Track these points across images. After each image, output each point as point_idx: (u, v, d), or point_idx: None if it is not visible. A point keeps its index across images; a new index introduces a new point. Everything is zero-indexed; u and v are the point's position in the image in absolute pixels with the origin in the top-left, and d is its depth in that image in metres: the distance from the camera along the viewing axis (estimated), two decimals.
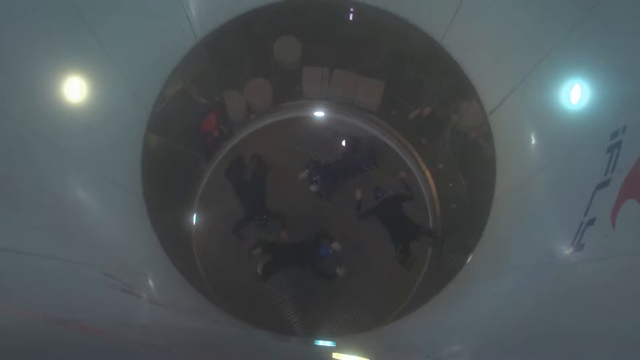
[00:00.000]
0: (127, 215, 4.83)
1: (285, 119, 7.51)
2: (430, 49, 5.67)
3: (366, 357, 4.72)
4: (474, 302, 4.49)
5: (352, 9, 6.12)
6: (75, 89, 3.71)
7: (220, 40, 5.81)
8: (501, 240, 4.75)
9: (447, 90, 6.42)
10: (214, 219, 7.02)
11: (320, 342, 5.80)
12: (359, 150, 7.10)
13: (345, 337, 6.23)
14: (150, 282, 4.44)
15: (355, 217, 6.47)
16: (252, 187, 6.76)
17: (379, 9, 5.69)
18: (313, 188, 6.79)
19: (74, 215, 3.62)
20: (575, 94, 3.50)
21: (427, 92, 6.92)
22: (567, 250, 2.97)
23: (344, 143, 7.30)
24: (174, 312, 4.34)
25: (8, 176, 2.81)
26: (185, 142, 6.76)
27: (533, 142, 4.33)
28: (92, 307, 2.76)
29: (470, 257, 5.35)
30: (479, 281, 4.80)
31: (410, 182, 6.73)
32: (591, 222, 2.78)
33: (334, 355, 4.91)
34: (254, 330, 5.71)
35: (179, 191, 6.86)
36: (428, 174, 7.20)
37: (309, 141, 7.39)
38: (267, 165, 6.96)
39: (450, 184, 6.96)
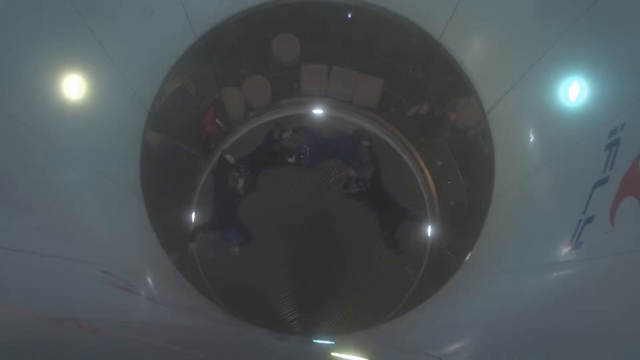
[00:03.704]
0: (126, 212, 4.82)
1: (284, 116, 7.51)
2: (428, 47, 5.67)
3: (365, 355, 4.72)
4: (473, 300, 4.50)
5: (351, 7, 6.10)
6: (74, 88, 3.70)
7: (219, 38, 5.79)
8: (500, 238, 4.75)
9: (445, 88, 6.42)
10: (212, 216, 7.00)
11: (319, 340, 5.81)
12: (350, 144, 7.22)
13: (344, 335, 6.23)
14: (149, 280, 4.44)
15: (342, 194, 7.04)
16: (230, 196, 6.81)
17: (377, 7, 5.68)
18: (290, 160, 7.08)
19: (72, 213, 3.61)
20: (574, 92, 3.49)
21: (425, 89, 6.92)
22: (566, 248, 2.97)
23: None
24: (172, 310, 4.34)
25: (7, 174, 2.80)
26: (184, 140, 6.74)
27: (531, 139, 4.32)
28: (90, 306, 2.76)
29: (468, 255, 5.36)
30: (478, 279, 4.80)
31: (374, 150, 7.19)
32: (590, 219, 2.77)
33: (333, 353, 4.92)
34: (252, 328, 5.71)
35: (178, 188, 6.85)
36: (427, 171, 7.20)
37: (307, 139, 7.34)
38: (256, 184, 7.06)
39: (449, 182, 6.96)
